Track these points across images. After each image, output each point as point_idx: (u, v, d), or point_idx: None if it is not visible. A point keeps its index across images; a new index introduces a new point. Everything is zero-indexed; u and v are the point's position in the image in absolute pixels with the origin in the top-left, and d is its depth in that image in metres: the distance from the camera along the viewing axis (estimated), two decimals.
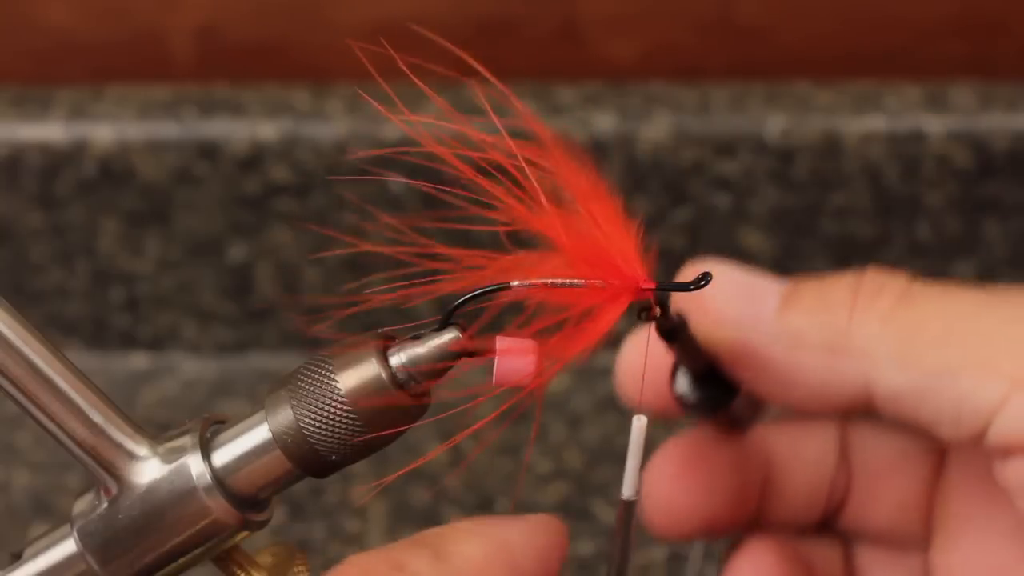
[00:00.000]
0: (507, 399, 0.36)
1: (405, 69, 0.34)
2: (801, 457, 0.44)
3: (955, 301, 0.37)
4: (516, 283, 0.35)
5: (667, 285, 0.37)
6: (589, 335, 0.35)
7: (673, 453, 0.43)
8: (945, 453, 0.42)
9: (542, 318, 0.36)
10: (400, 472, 0.38)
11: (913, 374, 0.37)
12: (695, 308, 0.40)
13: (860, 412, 0.40)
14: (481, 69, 0.35)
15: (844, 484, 0.44)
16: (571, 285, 0.35)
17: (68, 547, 0.38)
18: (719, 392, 0.42)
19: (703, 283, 0.36)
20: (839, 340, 0.38)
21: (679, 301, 0.39)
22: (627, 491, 0.38)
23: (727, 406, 0.42)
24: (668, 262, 0.86)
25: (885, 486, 0.43)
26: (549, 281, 0.35)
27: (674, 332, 0.39)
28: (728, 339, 0.40)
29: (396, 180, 0.74)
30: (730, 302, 0.40)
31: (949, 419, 0.36)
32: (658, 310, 0.37)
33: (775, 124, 0.76)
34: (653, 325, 0.37)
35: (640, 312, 0.37)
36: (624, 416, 0.81)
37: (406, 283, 0.36)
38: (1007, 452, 0.36)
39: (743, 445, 0.44)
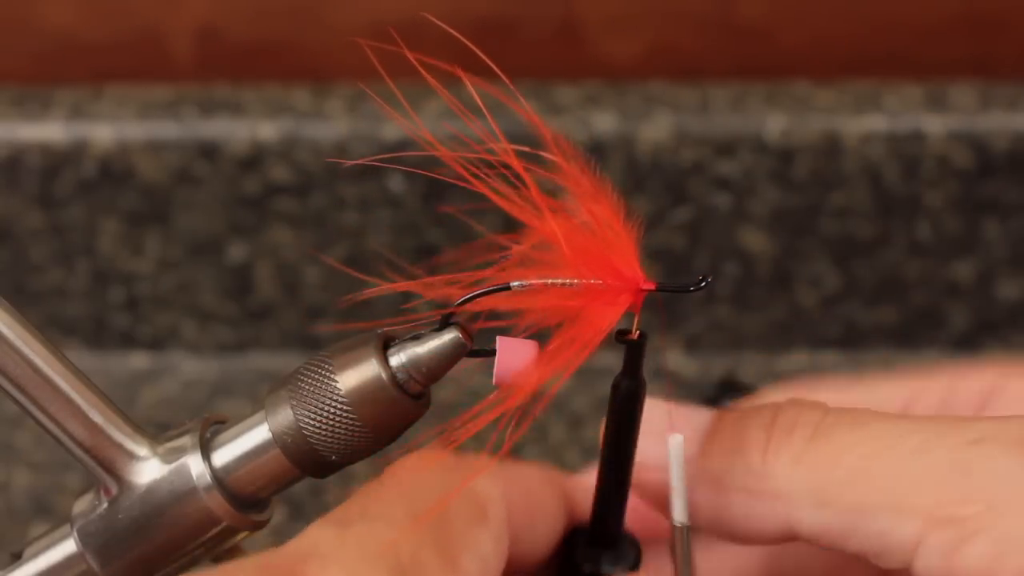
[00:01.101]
0: (507, 399, 0.36)
1: (415, 62, 0.34)
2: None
3: (866, 434, 0.37)
4: (516, 284, 0.35)
5: (667, 286, 0.37)
6: (589, 336, 0.35)
7: None
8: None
9: (542, 319, 0.36)
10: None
11: (831, 513, 0.37)
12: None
13: (793, 541, 0.40)
14: (490, 64, 0.35)
15: None
16: (571, 286, 0.35)
17: (68, 547, 0.38)
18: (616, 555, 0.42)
19: (703, 284, 0.36)
20: (756, 483, 0.38)
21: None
22: (677, 515, 0.38)
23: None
24: (668, 262, 0.86)
25: None
26: (549, 282, 0.35)
27: (637, 346, 0.38)
28: (655, 482, 0.40)
29: (398, 171, 0.74)
30: (653, 447, 0.39)
31: (875, 553, 0.37)
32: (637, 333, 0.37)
33: (775, 124, 0.76)
34: (630, 330, 0.37)
35: (617, 334, 0.37)
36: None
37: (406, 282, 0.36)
38: None
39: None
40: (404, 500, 0.35)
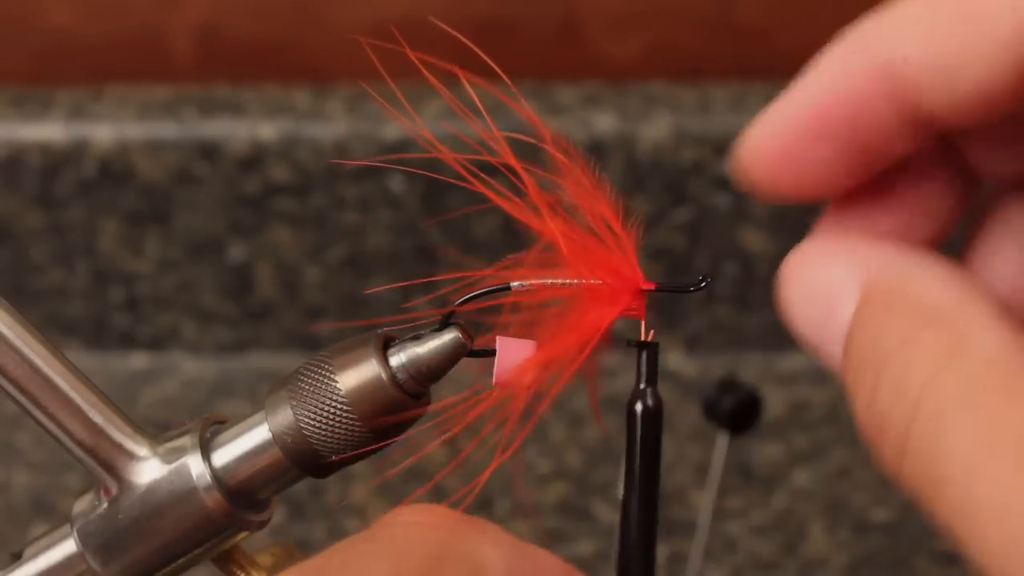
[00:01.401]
0: (508, 399, 0.36)
1: (416, 62, 0.34)
2: None
3: None
4: (516, 284, 0.35)
5: (667, 286, 0.37)
6: (590, 336, 0.35)
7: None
8: None
9: (543, 319, 0.36)
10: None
11: None
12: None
13: None
14: (491, 63, 0.35)
15: None
16: (571, 285, 0.35)
17: (68, 547, 0.38)
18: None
19: (703, 284, 0.36)
20: None
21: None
22: (703, 516, 0.36)
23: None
24: (668, 262, 0.86)
25: None
26: (549, 282, 0.35)
27: (653, 350, 0.37)
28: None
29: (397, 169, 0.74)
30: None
31: None
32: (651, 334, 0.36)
33: None
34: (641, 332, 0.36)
35: (629, 341, 0.36)
36: (624, 416, 0.81)
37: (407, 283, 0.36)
38: None
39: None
40: (392, 560, 0.32)
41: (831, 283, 0.33)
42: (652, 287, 0.36)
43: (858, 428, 0.28)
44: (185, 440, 0.37)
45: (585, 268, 0.36)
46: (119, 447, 0.37)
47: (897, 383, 0.28)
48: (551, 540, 0.74)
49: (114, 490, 0.37)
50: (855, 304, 0.31)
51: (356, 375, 0.36)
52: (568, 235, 0.36)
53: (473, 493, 0.34)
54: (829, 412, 0.81)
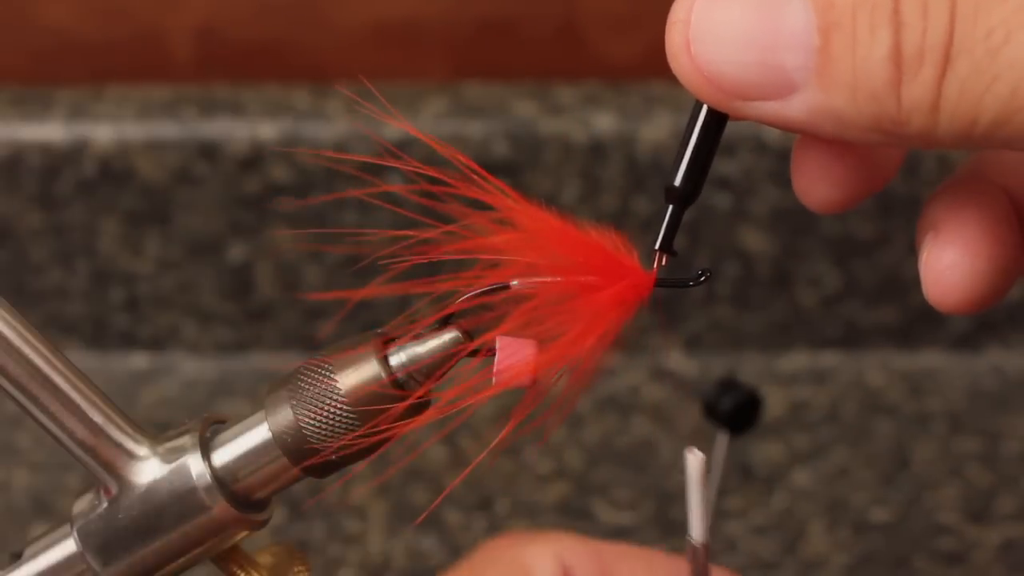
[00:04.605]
0: (507, 398, 0.36)
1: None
2: None
3: None
4: (516, 282, 0.35)
5: (667, 281, 0.37)
6: (591, 334, 0.35)
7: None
8: None
9: (543, 318, 0.36)
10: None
11: None
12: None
13: None
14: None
15: None
16: (571, 283, 0.35)
17: (68, 547, 0.38)
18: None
19: (703, 279, 0.37)
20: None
21: None
22: (695, 534, 0.37)
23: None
24: (668, 262, 0.86)
25: None
26: (549, 280, 0.35)
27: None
28: None
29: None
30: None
31: None
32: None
33: None
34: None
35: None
36: (624, 416, 0.81)
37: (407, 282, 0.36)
38: None
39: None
40: None
41: None
42: (652, 282, 0.36)
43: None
44: (185, 440, 0.37)
45: (585, 265, 0.36)
46: (119, 447, 0.37)
47: None
48: None
49: (114, 490, 0.37)
50: None
51: (356, 375, 0.36)
52: (567, 233, 0.36)
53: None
54: (829, 412, 0.81)
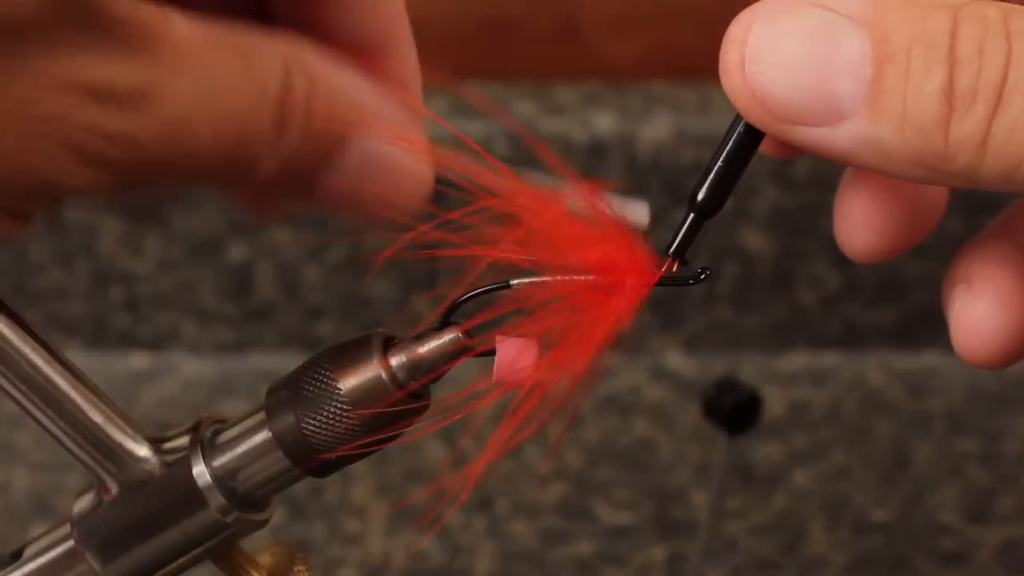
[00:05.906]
0: (509, 398, 0.36)
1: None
2: None
3: None
4: (517, 281, 0.35)
5: (668, 278, 0.37)
6: (592, 331, 0.35)
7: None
8: None
9: (545, 318, 0.36)
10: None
11: None
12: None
13: None
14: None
15: None
16: (572, 282, 0.35)
17: (68, 547, 0.38)
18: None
19: (703, 276, 0.37)
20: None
21: None
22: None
23: None
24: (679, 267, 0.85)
25: None
26: (550, 279, 0.35)
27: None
28: None
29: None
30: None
31: None
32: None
33: None
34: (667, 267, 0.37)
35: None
36: (624, 416, 0.81)
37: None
38: None
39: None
40: None
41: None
42: (654, 280, 0.36)
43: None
44: (185, 440, 0.37)
45: (586, 263, 0.36)
46: (119, 447, 0.37)
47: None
48: (551, 540, 0.74)
49: (114, 490, 0.37)
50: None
51: (356, 375, 0.36)
52: (567, 231, 0.36)
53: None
54: (829, 412, 0.81)
